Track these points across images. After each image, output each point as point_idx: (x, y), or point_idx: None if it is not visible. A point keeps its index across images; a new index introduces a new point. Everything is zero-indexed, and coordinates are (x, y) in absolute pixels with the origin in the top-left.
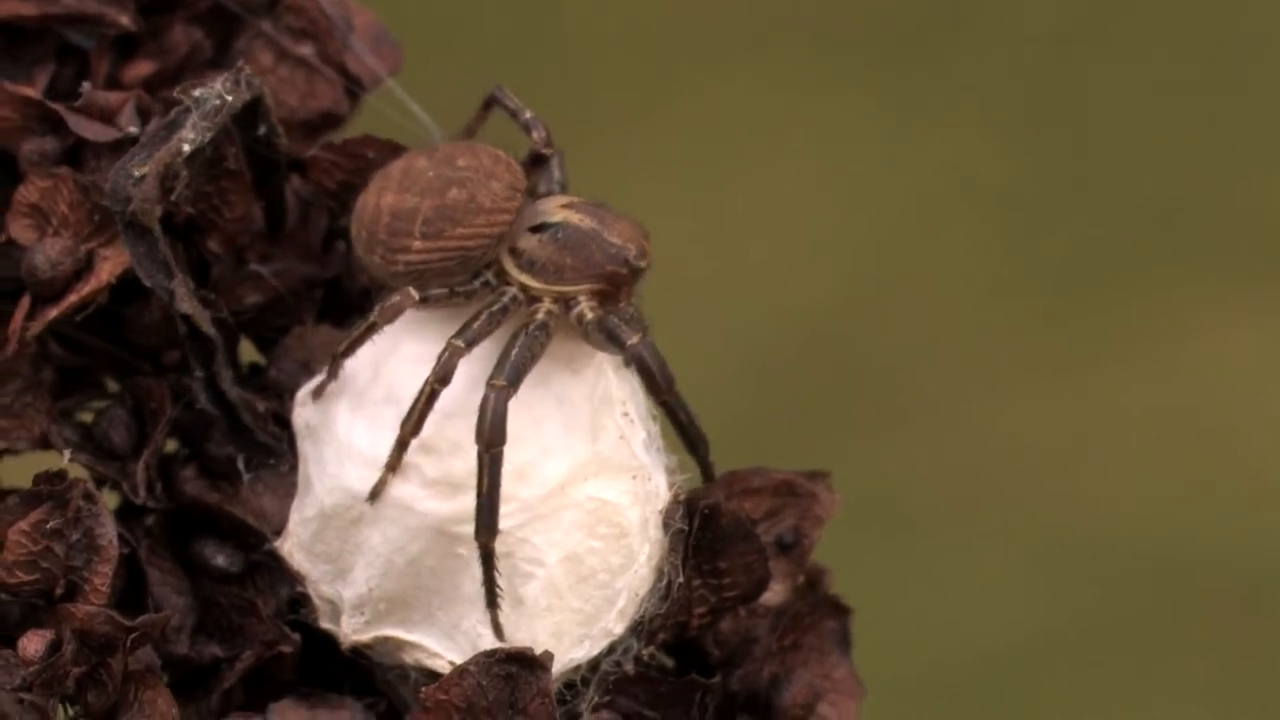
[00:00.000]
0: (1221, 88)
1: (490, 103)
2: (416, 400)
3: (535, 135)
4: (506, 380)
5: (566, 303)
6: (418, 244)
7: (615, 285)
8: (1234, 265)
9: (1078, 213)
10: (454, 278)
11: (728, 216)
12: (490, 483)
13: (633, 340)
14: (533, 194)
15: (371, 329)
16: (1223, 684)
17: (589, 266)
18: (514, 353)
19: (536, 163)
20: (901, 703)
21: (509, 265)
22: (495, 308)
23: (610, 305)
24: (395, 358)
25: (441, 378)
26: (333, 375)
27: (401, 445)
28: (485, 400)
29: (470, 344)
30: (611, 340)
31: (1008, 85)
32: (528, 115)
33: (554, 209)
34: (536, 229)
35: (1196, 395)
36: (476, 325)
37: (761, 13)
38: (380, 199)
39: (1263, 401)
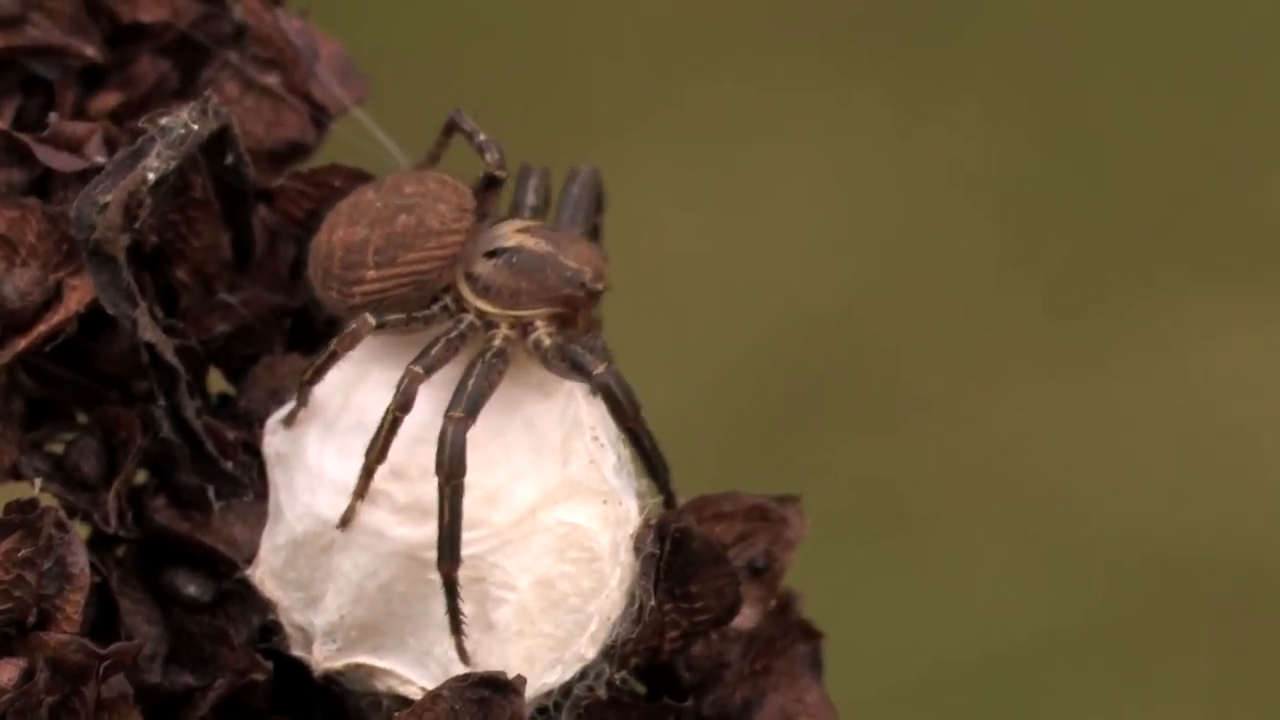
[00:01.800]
0: (1228, 87)
1: (450, 128)
2: (380, 428)
3: (489, 157)
4: (464, 411)
5: (524, 328)
6: (371, 273)
7: (572, 309)
8: (1238, 266)
9: (1082, 210)
10: (411, 304)
11: (733, 213)
12: (452, 513)
13: (599, 370)
14: (486, 217)
15: (333, 357)
16: (1225, 683)
17: (544, 290)
18: (470, 383)
19: (490, 185)
20: (904, 701)
21: (465, 291)
22: (453, 334)
23: (568, 330)
24: (364, 385)
25: (402, 405)
26: (302, 403)
27: (368, 472)
28: (444, 432)
29: (429, 370)
30: (576, 369)
31: (1013, 83)
32: (482, 138)
33: (509, 233)
34: (491, 254)
35: (1200, 395)
36: (435, 351)
37: (767, 9)
38: (332, 235)
39: (1265, 402)
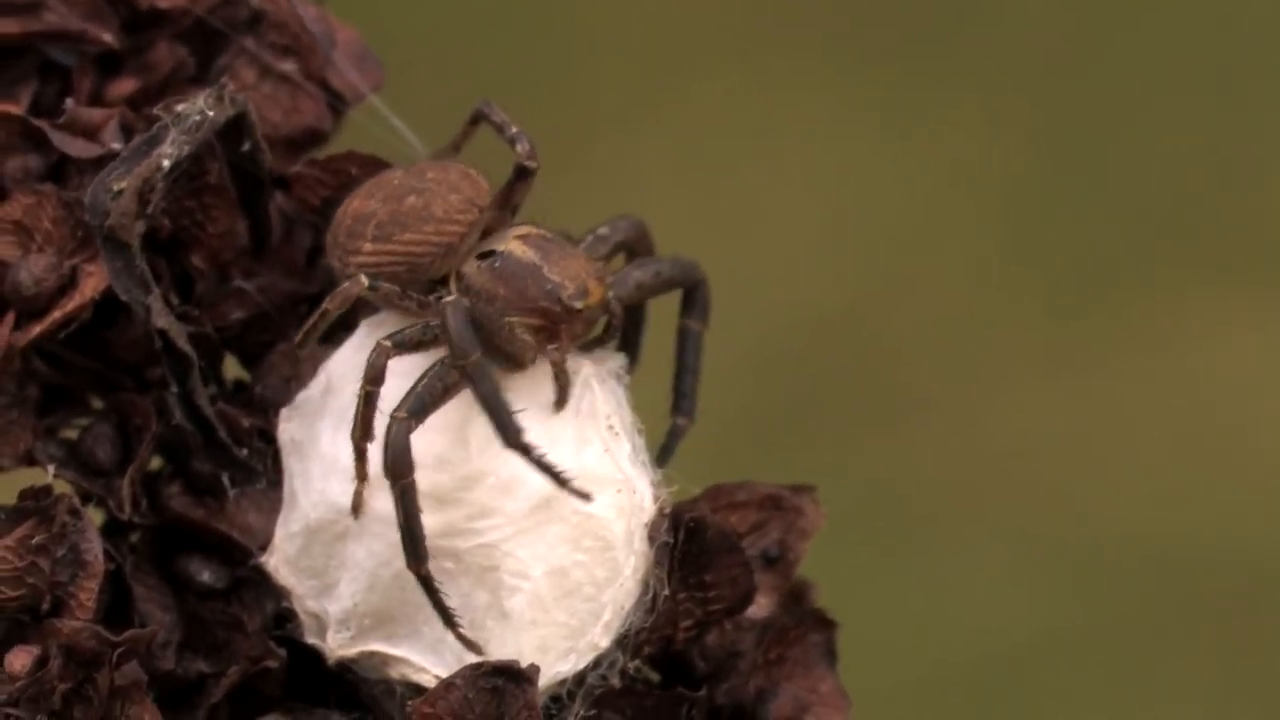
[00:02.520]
0: (1228, 87)
1: (477, 118)
2: (356, 407)
3: (520, 148)
4: (407, 412)
5: None
6: (368, 245)
7: (550, 322)
8: (1238, 266)
9: (1083, 210)
10: (405, 285)
11: (733, 212)
12: (407, 513)
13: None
14: (516, 210)
15: (324, 315)
16: (1225, 683)
17: (521, 299)
18: (422, 384)
19: (521, 176)
20: (904, 701)
21: (452, 288)
22: (434, 322)
23: (552, 344)
24: None
25: (372, 379)
26: (303, 372)
27: (359, 454)
28: (386, 432)
29: (399, 346)
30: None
31: (1013, 83)
32: (513, 130)
33: (508, 237)
34: (484, 255)
35: (1200, 395)
36: (409, 331)
37: (770, 9)
38: (348, 205)
39: (1265, 402)
